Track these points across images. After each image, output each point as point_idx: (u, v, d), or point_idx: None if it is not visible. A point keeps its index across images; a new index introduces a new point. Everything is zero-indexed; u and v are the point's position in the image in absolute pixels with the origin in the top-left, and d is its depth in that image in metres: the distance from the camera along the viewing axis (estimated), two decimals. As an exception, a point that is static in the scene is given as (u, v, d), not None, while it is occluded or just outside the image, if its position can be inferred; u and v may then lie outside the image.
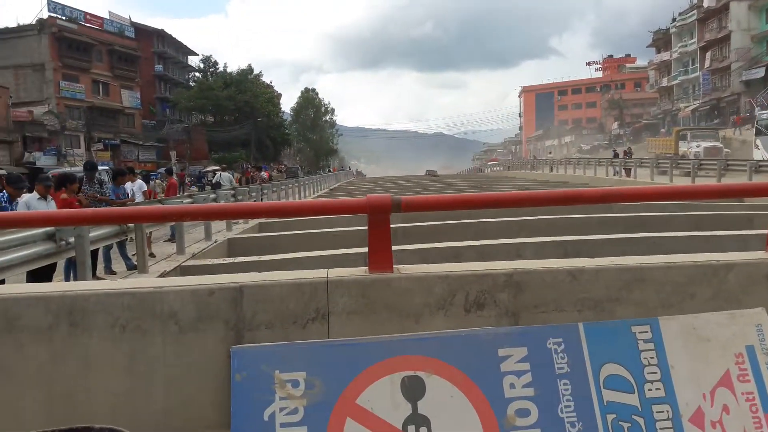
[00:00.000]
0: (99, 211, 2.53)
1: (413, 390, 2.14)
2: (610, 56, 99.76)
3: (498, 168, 61.17)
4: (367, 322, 2.32)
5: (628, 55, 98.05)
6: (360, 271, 2.42)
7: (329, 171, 60.93)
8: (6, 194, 6.39)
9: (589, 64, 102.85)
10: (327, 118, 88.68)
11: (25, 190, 6.75)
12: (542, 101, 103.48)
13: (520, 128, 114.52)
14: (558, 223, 10.09)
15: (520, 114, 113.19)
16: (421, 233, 9.31)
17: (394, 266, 2.42)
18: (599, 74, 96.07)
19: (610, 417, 2.14)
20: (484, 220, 10.39)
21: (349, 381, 2.12)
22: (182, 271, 7.98)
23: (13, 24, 49.43)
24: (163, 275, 7.30)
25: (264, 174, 28.60)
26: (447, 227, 9.98)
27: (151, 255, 8.93)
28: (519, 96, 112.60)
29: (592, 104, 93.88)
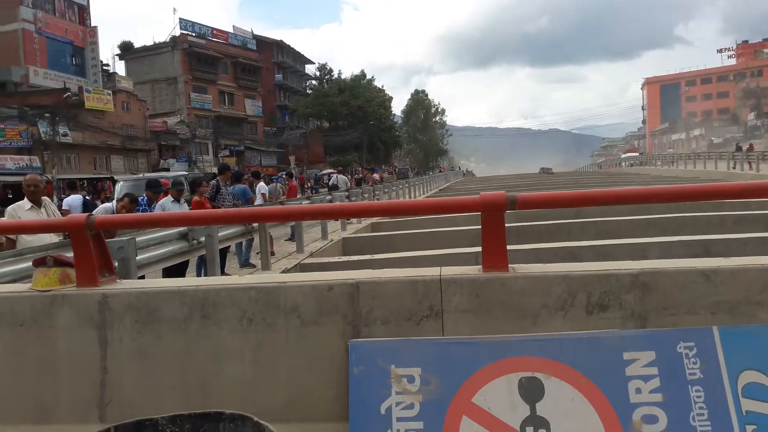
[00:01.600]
0: (227, 211, 2.71)
1: (531, 391, 2.08)
2: (745, 41, 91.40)
3: (633, 163, 51.39)
4: (482, 321, 2.29)
5: (766, 40, 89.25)
6: (474, 270, 2.40)
7: (439, 171, 60.86)
8: (146, 198, 7.00)
9: (720, 51, 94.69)
10: (437, 119, 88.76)
11: (162, 194, 7.36)
12: (667, 93, 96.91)
13: (643, 122, 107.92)
14: (689, 221, 9.38)
15: (642, 107, 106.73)
16: (534, 233, 9.05)
17: (509, 265, 2.37)
18: (732, 61, 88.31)
19: (750, 428, 1.96)
20: (603, 219, 9.90)
21: (464, 379, 2.11)
22: (301, 268, 8.32)
23: (150, 43, 54.15)
24: (284, 272, 7.66)
25: (376, 176, 29.12)
26: (562, 227, 9.62)
27: (272, 253, 9.39)
28: (641, 88, 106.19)
29: (724, 94, 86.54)
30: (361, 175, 28.90)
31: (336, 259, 8.85)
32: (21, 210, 5.30)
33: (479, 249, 2.40)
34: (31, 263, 3.63)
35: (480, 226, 2.40)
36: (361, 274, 2.40)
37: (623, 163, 55.44)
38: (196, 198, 8.03)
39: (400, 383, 2.12)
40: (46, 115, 32.22)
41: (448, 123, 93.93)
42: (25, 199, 5.53)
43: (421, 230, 10.44)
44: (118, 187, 18.19)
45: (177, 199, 7.38)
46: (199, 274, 8.23)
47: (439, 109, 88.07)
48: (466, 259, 7.02)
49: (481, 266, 2.39)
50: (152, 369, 2.37)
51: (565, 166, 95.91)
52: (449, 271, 2.36)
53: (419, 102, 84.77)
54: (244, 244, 9.01)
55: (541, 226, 9.50)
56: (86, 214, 2.53)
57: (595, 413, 2.05)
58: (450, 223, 10.69)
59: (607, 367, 2.11)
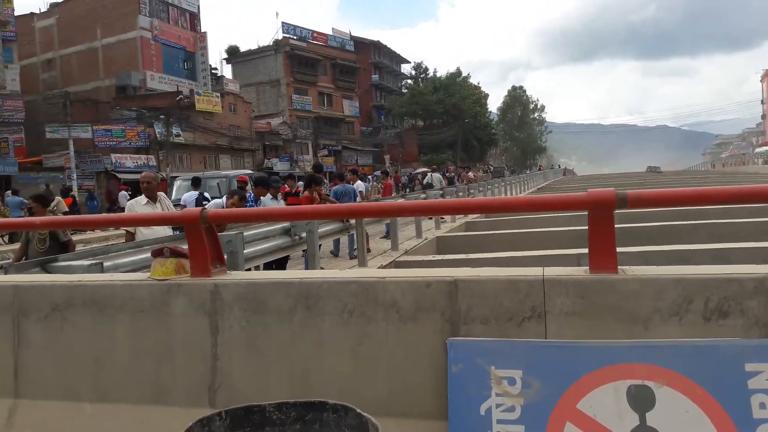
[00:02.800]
0: (328, 207, 2.78)
1: (641, 400, 1.97)
2: None
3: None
4: (588, 325, 2.19)
5: None
6: (579, 271, 2.30)
7: (539, 169, 59.23)
8: (252, 194, 7.35)
9: None
10: (535, 115, 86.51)
11: (269, 191, 7.72)
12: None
13: (763, 117, 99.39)
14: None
15: (762, 101, 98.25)
16: (642, 235, 8.58)
17: (618, 267, 2.25)
18: None
19: None
20: (718, 221, 9.22)
21: (568, 384, 2.03)
22: (396, 265, 8.39)
23: (254, 46, 56.69)
24: (380, 268, 7.77)
25: (471, 174, 28.78)
26: (672, 228, 9.06)
27: (368, 250, 9.55)
28: (761, 80, 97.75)
29: None
30: (452, 174, 28.65)
31: (430, 257, 8.85)
32: (138, 205, 5.74)
33: (581, 251, 2.32)
34: (149, 254, 3.91)
35: (582, 227, 2.31)
36: (460, 271, 2.37)
37: (758, 160, 48.80)
38: (306, 194, 8.38)
39: (500, 385, 2.07)
40: (161, 117, 34.60)
41: (547, 120, 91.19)
42: (142, 195, 5.98)
43: (517, 230, 10.22)
44: (176, 184, 17.49)
45: (275, 196, 7.72)
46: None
47: (538, 106, 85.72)
48: (567, 261, 6.78)
49: (587, 267, 2.29)
50: (259, 357, 2.48)
51: (674, 165, 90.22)
52: (553, 271, 2.28)
53: (516, 98, 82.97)
54: (347, 239, 9.32)
55: (649, 227, 9.00)
56: (200, 208, 2.68)
57: (713, 427, 1.91)
58: (548, 223, 10.38)
59: (727, 379, 1.95)
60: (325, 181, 9.83)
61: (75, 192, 26.77)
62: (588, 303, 2.20)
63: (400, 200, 11.01)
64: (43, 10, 44.28)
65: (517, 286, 2.26)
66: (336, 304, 2.40)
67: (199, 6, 46.27)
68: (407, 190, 29.99)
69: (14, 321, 2.72)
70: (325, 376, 2.40)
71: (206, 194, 10.10)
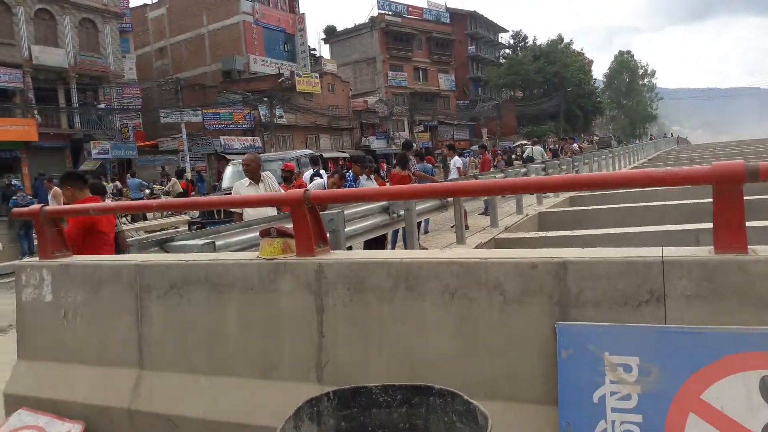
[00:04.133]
0: (426, 186, 2.75)
1: (777, 394, 1.79)
2: None
3: None
4: (713, 310, 2.01)
5: None
6: (703, 251, 2.12)
7: (649, 139, 55.77)
8: (352, 174, 7.46)
9: None
10: (644, 81, 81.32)
11: (368, 170, 7.79)
12: None
13: None
14: None
15: None
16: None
17: (748, 247, 2.05)
18: None
19: None
20: None
21: (691, 373, 1.88)
22: (496, 243, 8.24)
23: (351, 25, 57.20)
24: (479, 247, 7.65)
25: (575, 146, 27.59)
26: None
27: (467, 227, 9.44)
28: None
29: None
30: (556, 146, 27.61)
31: (533, 234, 8.60)
32: (242, 187, 5.98)
33: (701, 226, 2.15)
34: (256, 233, 4.06)
35: (700, 200, 2.12)
36: (570, 252, 2.26)
37: None
38: (396, 170, 8.40)
39: (615, 372, 1.96)
40: (265, 99, 35.91)
41: (657, 86, 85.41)
42: (245, 176, 6.23)
43: (626, 204, 9.69)
44: (228, 170, 14.75)
45: (369, 176, 7.78)
46: (393, 247, 8.59)
47: (648, 71, 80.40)
48: (683, 238, 6.34)
49: (711, 247, 2.10)
50: (362, 336, 2.51)
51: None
52: (673, 251, 2.11)
53: (624, 64, 78.29)
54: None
55: (777, 200, 8.21)
56: (303, 189, 2.73)
57: None
58: (661, 196, 9.74)
59: None
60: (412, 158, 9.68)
61: (188, 173, 28.51)
62: (713, 286, 2.02)
63: (500, 176, 10.74)
64: (155, 0, 47.04)
65: (633, 267, 2.12)
66: (437, 285, 2.37)
67: (297, -12, 47.26)
68: (505, 164, 29.24)
69: (137, 297, 2.92)
70: (427, 356, 2.39)
71: (321, 171, 10.25)
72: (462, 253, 2.51)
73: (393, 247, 8.81)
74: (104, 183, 24.81)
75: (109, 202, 3.87)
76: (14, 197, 15.60)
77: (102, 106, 31.31)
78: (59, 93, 29.42)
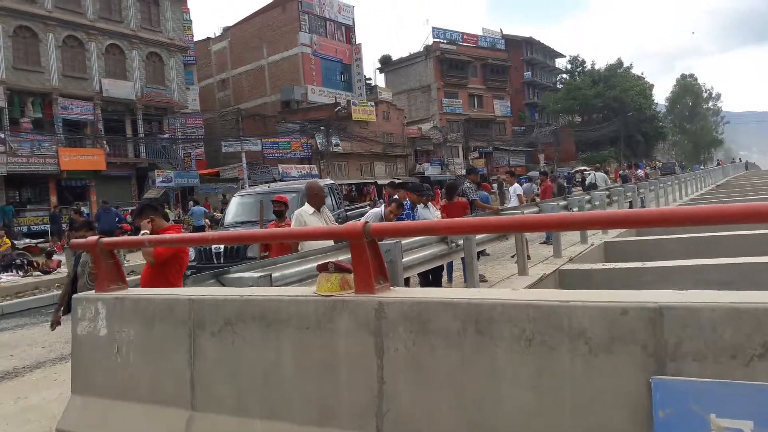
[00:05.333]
0: (495, 220, 2.54)
1: None
2: None
3: None
4: (844, 367, 1.71)
5: None
6: (827, 296, 1.81)
7: (717, 164, 53.43)
8: (410, 202, 7.28)
9: None
10: (709, 105, 78.38)
11: (425, 198, 7.57)
12: None
13: None
14: None
15: None
16: None
17: None
18: None
19: None
20: None
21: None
22: (560, 275, 7.86)
23: (405, 54, 57.78)
24: (542, 279, 7.31)
25: (640, 172, 26.60)
26: None
27: (528, 257, 9.07)
28: None
29: None
30: (626, 172, 26.81)
31: (599, 266, 8.16)
32: (306, 215, 5.91)
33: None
34: (314, 264, 3.92)
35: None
36: (665, 296, 1.99)
37: None
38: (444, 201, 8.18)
39: (729, 441, 1.68)
40: (322, 128, 36.47)
41: (723, 109, 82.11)
42: (306, 204, 6.15)
43: (700, 234, 9.10)
44: (234, 201, 11.85)
45: (426, 204, 7.56)
46: (449, 278, 8.32)
47: (713, 94, 77.52)
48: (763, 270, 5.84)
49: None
50: (427, 382, 2.29)
51: None
52: (793, 297, 1.82)
53: (687, 87, 75.79)
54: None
55: None
56: (363, 222, 2.57)
57: None
58: (740, 225, 9.11)
59: None
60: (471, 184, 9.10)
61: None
62: None
63: (562, 203, 10.34)
64: (218, 34, 48.92)
65: (741, 315, 1.83)
66: (512, 330, 2.14)
67: (353, 19, 48.22)
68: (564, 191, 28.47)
69: (191, 334, 2.81)
70: (500, 408, 2.15)
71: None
72: (539, 294, 2.28)
73: (450, 278, 8.56)
74: (167, 210, 25.63)
75: (168, 235, 3.82)
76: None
77: (166, 136, 32.50)
78: (126, 124, 30.74)
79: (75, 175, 27.25)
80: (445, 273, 8.44)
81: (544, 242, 10.77)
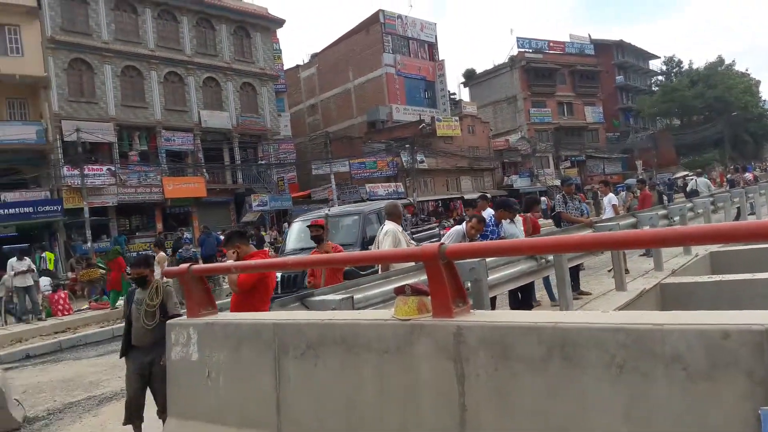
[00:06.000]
0: (591, 237, 2.40)
1: None
2: None
3: None
4: None
5: None
6: None
7: None
8: (493, 218, 7.11)
9: None
10: (828, 98, 71.60)
11: (517, 214, 7.36)
12: None
13: None
14: None
15: None
16: None
17: None
18: None
19: None
20: None
21: None
22: (662, 289, 7.38)
23: (490, 66, 57.26)
24: (641, 294, 6.89)
25: (748, 175, 24.68)
26: None
27: (626, 271, 8.60)
28: None
29: None
30: (733, 176, 25.05)
31: (705, 278, 7.59)
32: (398, 232, 5.96)
33: None
34: (396, 285, 3.90)
35: None
36: (773, 317, 1.79)
37: None
38: (530, 215, 7.92)
39: None
40: (407, 146, 36.76)
41: None
42: (391, 222, 6.18)
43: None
44: (294, 228, 11.80)
45: (512, 220, 7.32)
46: (550, 294, 8.03)
47: (833, 86, 70.79)
48: None
49: None
50: (510, 410, 2.19)
51: None
52: None
53: (801, 81, 69.65)
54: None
55: None
56: (438, 243, 2.52)
57: None
58: None
59: None
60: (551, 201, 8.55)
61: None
62: None
63: (661, 212, 9.73)
64: (306, 61, 50.74)
65: None
66: (600, 356, 2.00)
67: (436, 36, 48.46)
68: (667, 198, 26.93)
69: (275, 358, 2.86)
70: (590, 439, 2.01)
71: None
72: (630, 316, 2.13)
73: (550, 292, 8.27)
74: (263, 233, 26.68)
75: (253, 261, 3.93)
76: (181, 250, 17.16)
77: (261, 161, 33.95)
78: (224, 152, 32.42)
79: (178, 202, 29.02)
80: (540, 290, 8.16)
81: (644, 254, 10.17)
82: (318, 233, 6.29)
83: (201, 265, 3.51)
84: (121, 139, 27.80)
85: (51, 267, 19.68)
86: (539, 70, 53.58)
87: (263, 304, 4.07)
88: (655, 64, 68.02)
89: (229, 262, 3.99)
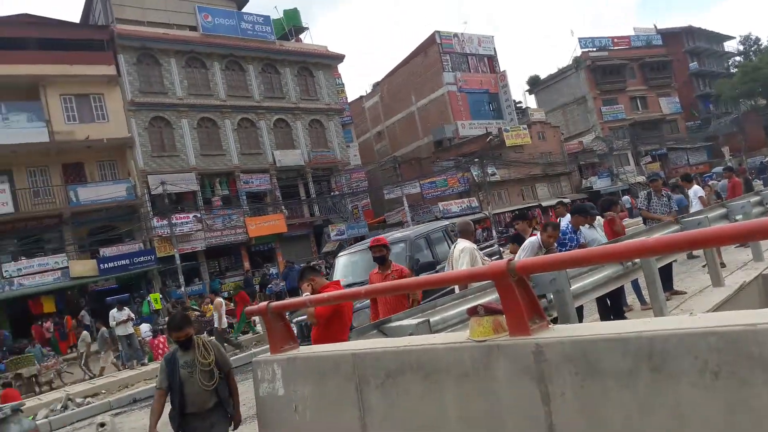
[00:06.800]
0: (671, 238, 2.26)
1: None
2: None
3: None
4: None
5: None
6: None
7: None
8: (570, 225, 6.88)
9: None
10: None
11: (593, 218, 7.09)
12: None
13: None
14: None
15: None
16: None
17: None
18: None
19: None
20: None
21: None
22: (764, 281, 6.86)
23: (554, 71, 56.06)
24: (741, 288, 6.43)
25: None
26: None
27: (722, 265, 8.06)
28: None
29: None
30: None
31: (813, 265, 6.99)
32: (474, 249, 5.91)
33: None
34: (473, 304, 3.83)
35: None
36: None
37: None
38: (609, 215, 7.59)
39: None
40: (476, 160, 36.44)
41: None
42: (465, 240, 6.11)
43: None
44: (340, 263, 10.63)
45: (592, 224, 7.05)
46: (640, 298, 7.66)
47: None
48: None
49: None
50: (602, 429, 2.08)
51: None
52: None
53: None
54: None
55: None
56: (506, 260, 2.45)
57: None
58: None
59: None
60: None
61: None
62: None
63: (753, 200, 9.08)
64: (368, 91, 51.67)
65: None
66: (692, 363, 1.87)
67: (494, 48, 48.12)
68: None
69: (357, 388, 2.86)
70: (693, 454, 1.87)
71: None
72: (721, 318, 1.98)
73: (640, 296, 7.90)
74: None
75: (326, 293, 3.97)
76: (270, 285, 17.70)
77: (335, 193, 34.67)
78: (299, 187, 33.36)
79: (262, 240, 30.03)
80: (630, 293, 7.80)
81: (740, 245, 9.51)
82: (381, 253, 5.81)
83: (279, 302, 3.59)
84: (203, 186, 29.20)
85: (158, 306, 20.94)
86: (606, 67, 51.94)
87: (342, 334, 4.11)
88: (730, 45, 64.36)
89: (305, 296, 4.07)
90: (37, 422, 9.00)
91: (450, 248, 6.29)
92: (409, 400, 2.64)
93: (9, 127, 23.38)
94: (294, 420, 3.17)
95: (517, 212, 34.09)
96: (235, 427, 4.45)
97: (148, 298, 21.37)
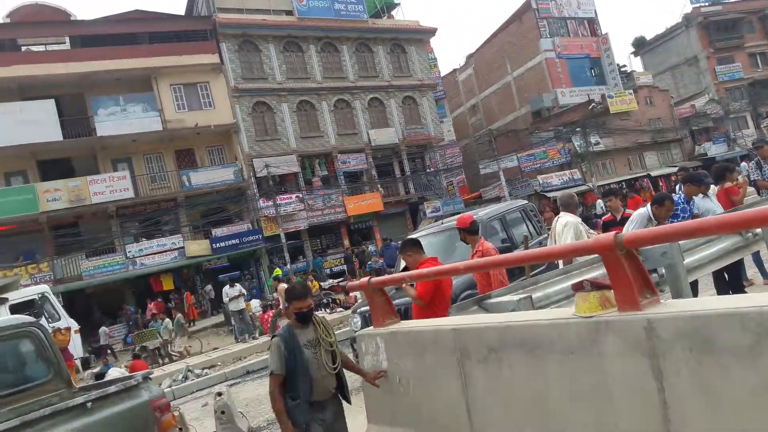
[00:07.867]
0: (760, 212, 2.09)
1: None
2: None
3: None
4: None
5: None
6: None
7: None
8: (682, 195, 6.46)
9: None
10: None
11: (704, 187, 6.58)
12: None
13: None
14: None
15: None
16: None
17: None
18: None
19: None
20: None
21: None
22: None
23: (661, 30, 52.29)
24: None
25: None
26: None
27: None
28: None
29: None
30: None
31: None
32: (578, 223, 5.72)
33: None
34: (578, 279, 3.73)
35: None
36: None
37: None
38: (728, 185, 7.00)
39: None
40: (577, 129, 34.95)
41: None
42: (569, 213, 5.92)
43: None
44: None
45: (705, 194, 6.53)
46: (763, 273, 7.12)
47: None
48: None
49: None
50: (719, 407, 1.98)
51: None
52: None
53: None
54: None
55: None
56: (614, 233, 2.36)
57: None
58: None
59: None
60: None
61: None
62: None
63: None
64: (462, 63, 50.77)
65: None
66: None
67: (595, 10, 45.54)
68: None
69: (459, 363, 2.89)
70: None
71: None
72: None
73: (762, 269, 7.33)
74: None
75: (425, 269, 3.97)
76: (369, 262, 18.05)
77: (429, 169, 34.62)
78: (394, 165, 33.61)
79: (360, 218, 30.67)
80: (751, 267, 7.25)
81: None
82: (461, 236, 5.58)
83: (379, 278, 3.68)
84: (303, 168, 30.16)
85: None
86: (720, 23, 47.68)
87: (443, 311, 4.13)
88: None
89: (403, 272, 4.13)
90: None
91: (528, 230, 5.89)
92: (514, 374, 2.63)
93: (127, 118, 25.32)
94: (398, 391, 3.26)
95: (613, 186, 32.34)
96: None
97: (275, 274, 22.36)
